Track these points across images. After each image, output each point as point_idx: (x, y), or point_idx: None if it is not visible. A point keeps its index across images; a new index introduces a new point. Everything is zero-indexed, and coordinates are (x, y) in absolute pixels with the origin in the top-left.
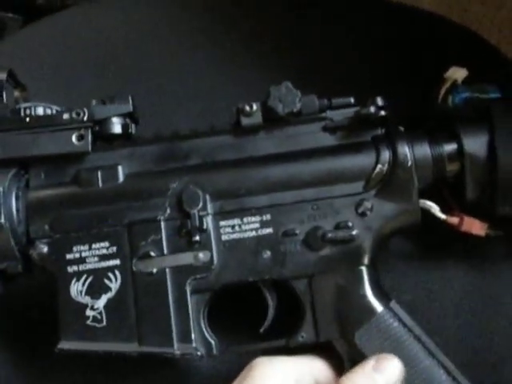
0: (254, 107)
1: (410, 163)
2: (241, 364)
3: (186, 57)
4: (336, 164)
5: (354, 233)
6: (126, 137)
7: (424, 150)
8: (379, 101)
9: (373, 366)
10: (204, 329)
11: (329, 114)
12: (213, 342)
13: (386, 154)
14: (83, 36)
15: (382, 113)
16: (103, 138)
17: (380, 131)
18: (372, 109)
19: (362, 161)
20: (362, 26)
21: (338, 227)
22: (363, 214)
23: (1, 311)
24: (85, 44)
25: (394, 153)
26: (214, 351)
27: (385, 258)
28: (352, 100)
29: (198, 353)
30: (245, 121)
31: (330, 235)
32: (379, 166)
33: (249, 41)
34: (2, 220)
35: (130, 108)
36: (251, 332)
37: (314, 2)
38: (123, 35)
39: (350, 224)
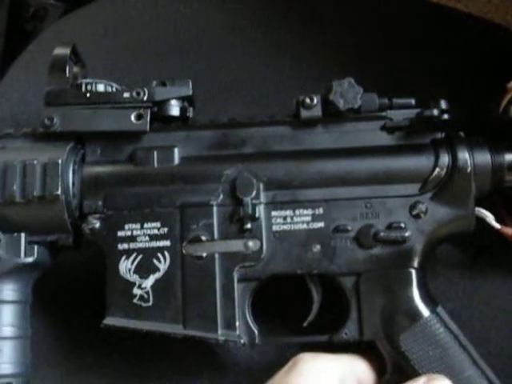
0: (315, 100)
1: (469, 169)
2: (279, 356)
3: (242, 46)
4: (393, 164)
5: (407, 234)
6: (183, 120)
7: (484, 157)
8: (443, 104)
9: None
10: (248, 317)
11: (389, 113)
12: (256, 332)
13: (445, 158)
14: (136, 20)
15: (445, 116)
16: (161, 119)
17: (440, 135)
18: (435, 111)
19: (419, 163)
20: (429, 32)
21: (390, 227)
22: (417, 217)
23: (48, 282)
24: (138, 28)
25: (454, 157)
26: (257, 340)
27: (431, 264)
28: (413, 101)
29: (242, 341)
30: (304, 113)
31: (382, 234)
32: (437, 169)
33: (304, 33)
34: (59, 191)
35: (190, 91)
36: (293, 324)
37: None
38: (177, 20)
39: (403, 225)
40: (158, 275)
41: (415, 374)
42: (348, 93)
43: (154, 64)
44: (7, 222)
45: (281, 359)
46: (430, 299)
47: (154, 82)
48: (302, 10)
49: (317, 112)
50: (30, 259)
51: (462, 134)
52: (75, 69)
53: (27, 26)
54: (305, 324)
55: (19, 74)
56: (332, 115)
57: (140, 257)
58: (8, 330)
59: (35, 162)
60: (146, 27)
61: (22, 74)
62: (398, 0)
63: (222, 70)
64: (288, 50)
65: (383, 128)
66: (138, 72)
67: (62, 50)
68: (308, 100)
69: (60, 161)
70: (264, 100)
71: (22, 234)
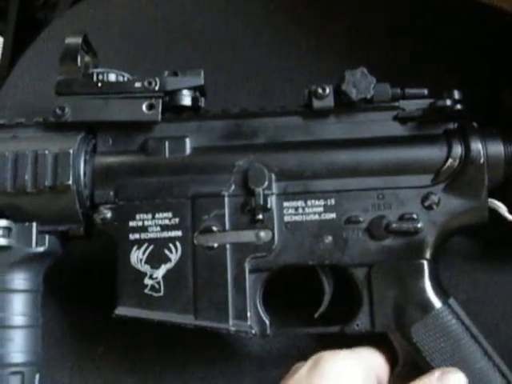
0: (327, 90)
1: (482, 160)
2: (290, 346)
3: (253, 35)
4: (405, 154)
5: (419, 225)
6: (194, 110)
7: (497, 148)
8: (456, 94)
9: (437, 378)
10: (259, 308)
11: (401, 103)
12: (267, 322)
13: (458, 149)
14: (147, 9)
15: (458, 106)
16: (172, 108)
17: (453, 125)
18: (448, 101)
19: (432, 153)
20: (441, 20)
21: (402, 218)
22: (429, 208)
23: (60, 272)
24: (149, 17)
25: (467, 148)
26: (268, 331)
27: (443, 255)
28: (426, 91)
29: (253, 331)
30: (316, 103)
31: (394, 226)
32: (450, 160)
33: (315, 23)
34: (70, 182)
35: (202, 81)
36: (304, 315)
37: None
38: (188, 10)
39: (415, 216)
40: (169, 265)
41: (427, 366)
42: (361, 83)
43: (165, 53)
44: (19, 212)
45: (292, 349)
46: (441, 291)
47: (166, 72)
48: (319, 1)
49: (329, 102)
50: (41, 249)
51: (475, 124)
52: (86, 58)
53: (38, 14)
54: (316, 315)
55: (30, 63)
56: (344, 105)
57: (151, 247)
58: (19, 319)
59: (46, 151)
60: (157, 16)
61: (33, 63)
62: None
63: (233, 60)
64: (299, 40)
65: (396, 118)
66: (149, 61)
67: (73, 40)
68: (320, 90)
69: (71, 151)
70: (275, 90)
71: (34, 224)
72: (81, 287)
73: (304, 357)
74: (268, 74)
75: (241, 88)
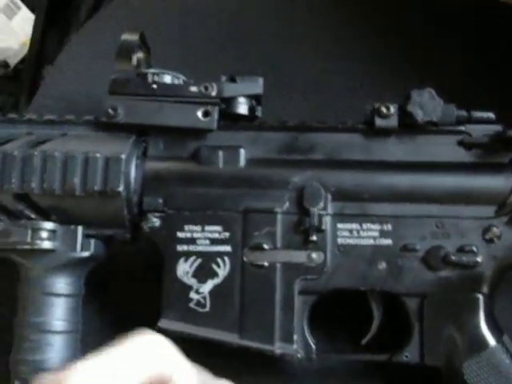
0: (392, 109)
1: None
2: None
3: (315, 48)
4: (469, 183)
5: (478, 259)
6: (250, 119)
7: None
8: None
9: None
10: (306, 331)
11: (467, 128)
12: (313, 346)
13: None
14: (202, 9)
15: None
16: (227, 116)
17: None
18: None
19: (497, 184)
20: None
21: (461, 250)
22: (490, 241)
23: (101, 275)
24: (202, 17)
25: None
26: (314, 355)
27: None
28: (493, 116)
29: (299, 355)
30: (379, 122)
31: (452, 257)
32: None
33: (382, 41)
34: (121, 188)
35: (260, 90)
36: (349, 339)
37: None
38: (245, 13)
39: (475, 249)
40: (216, 281)
41: None
42: (427, 104)
43: (218, 56)
44: (65, 214)
45: (333, 369)
46: (496, 327)
47: (223, 77)
48: (384, 17)
49: (393, 122)
50: (86, 253)
51: None
52: (141, 56)
53: None
54: (363, 341)
55: (79, 49)
56: (408, 126)
57: (199, 260)
58: (59, 325)
59: (98, 154)
60: (212, 16)
61: (75, 56)
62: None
63: (290, 69)
64: (363, 55)
65: (460, 143)
66: (199, 64)
67: (130, 36)
68: (384, 109)
69: (123, 156)
70: (334, 105)
71: (80, 227)
72: (123, 292)
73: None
74: (327, 87)
75: (298, 100)
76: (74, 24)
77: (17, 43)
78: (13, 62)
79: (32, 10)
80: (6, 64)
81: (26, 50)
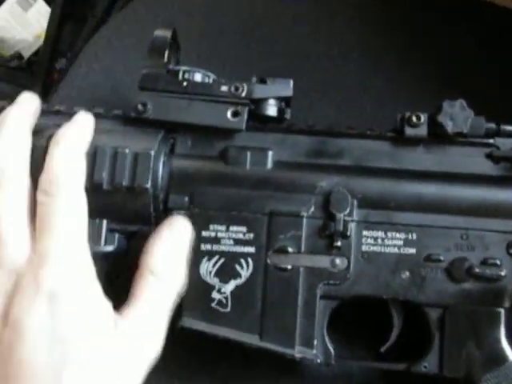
0: (422, 119)
1: None
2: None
3: (342, 54)
4: (495, 196)
5: (502, 273)
6: (278, 121)
7: None
8: None
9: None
10: (325, 336)
11: (496, 141)
12: (332, 352)
13: None
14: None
15: None
16: (256, 117)
17: None
18: None
19: None
20: None
21: (485, 263)
22: None
23: (121, 268)
24: (232, 15)
25: None
26: (333, 361)
27: None
28: None
29: (318, 360)
30: (409, 131)
31: (476, 270)
32: None
33: (407, 50)
34: (148, 185)
35: (290, 92)
36: (369, 346)
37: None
38: (272, 15)
39: (499, 262)
40: (238, 281)
41: None
42: (458, 115)
43: (247, 56)
44: (90, 207)
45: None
46: None
47: (254, 78)
48: (419, 28)
49: (422, 131)
50: (110, 248)
51: None
52: (171, 53)
53: None
54: (382, 349)
55: (106, 41)
56: (437, 136)
57: (222, 260)
58: None
59: (127, 150)
60: (239, 17)
61: (100, 49)
62: None
63: (319, 72)
64: (394, 64)
65: (489, 156)
66: (230, 63)
67: (162, 33)
68: (414, 118)
69: (152, 152)
70: (363, 111)
71: (104, 221)
72: None
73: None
74: (358, 93)
75: (327, 104)
76: (90, 19)
77: (31, 35)
78: (27, 53)
79: (48, 2)
80: (19, 56)
81: (40, 43)
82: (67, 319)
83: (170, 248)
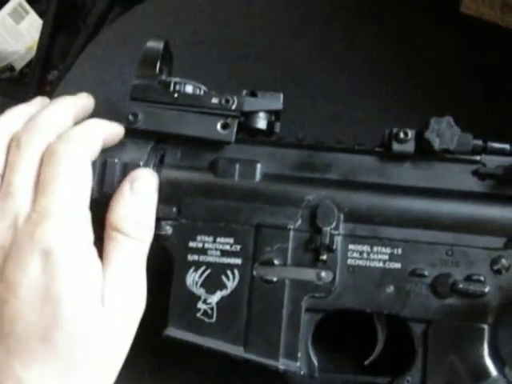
0: (409, 135)
1: None
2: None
3: (333, 68)
4: (481, 213)
5: (486, 289)
6: (267, 134)
7: None
8: None
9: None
10: (310, 349)
11: (483, 158)
12: (316, 364)
13: None
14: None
15: None
16: (245, 130)
17: None
18: None
19: (509, 216)
20: None
21: (469, 279)
22: (498, 272)
23: None
24: (218, 28)
25: None
26: (316, 373)
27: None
28: (509, 148)
29: (302, 372)
30: (396, 146)
31: (460, 286)
32: None
33: (396, 65)
34: None
35: (280, 106)
36: (352, 360)
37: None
38: (263, 28)
39: (483, 279)
40: (224, 292)
41: None
42: (445, 132)
43: (238, 69)
44: None
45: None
46: (498, 358)
47: (244, 91)
48: (409, 42)
49: (409, 147)
50: None
51: None
52: (163, 64)
53: None
54: (366, 363)
55: (98, 52)
56: (424, 153)
57: (209, 271)
58: None
59: (116, 160)
60: (234, 27)
61: (98, 55)
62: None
63: (310, 87)
64: (382, 81)
65: (475, 173)
66: (220, 76)
67: (155, 44)
68: (402, 134)
69: (141, 163)
70: (350, 126)
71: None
72: None
73: None
74: (346, 108)
75: (316, 119)
76: (82, 30)
77: (23, 47)
78: (19, 65)
79: (40, 14)
80: (11, 67)
81: (32, 54)
82: (61, 279)
83: (133, 202)
